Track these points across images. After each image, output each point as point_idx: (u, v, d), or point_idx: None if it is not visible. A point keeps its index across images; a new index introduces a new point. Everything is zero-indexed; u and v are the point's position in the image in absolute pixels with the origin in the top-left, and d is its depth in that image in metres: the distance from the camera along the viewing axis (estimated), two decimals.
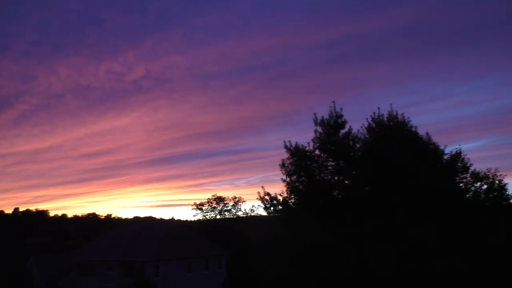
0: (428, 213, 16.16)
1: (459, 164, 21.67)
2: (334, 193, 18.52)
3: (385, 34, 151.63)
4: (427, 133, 20.06)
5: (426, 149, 19.51)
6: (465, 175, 21.71)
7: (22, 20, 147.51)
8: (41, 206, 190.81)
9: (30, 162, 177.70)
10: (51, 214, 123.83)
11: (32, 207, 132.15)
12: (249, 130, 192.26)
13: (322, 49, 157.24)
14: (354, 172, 18.15)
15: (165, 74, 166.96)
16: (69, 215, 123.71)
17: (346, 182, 18.48)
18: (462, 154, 22.02)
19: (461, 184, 21.30)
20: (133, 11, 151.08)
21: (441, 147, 20.62)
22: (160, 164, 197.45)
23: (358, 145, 18.96)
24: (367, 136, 19.31)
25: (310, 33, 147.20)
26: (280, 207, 18.83)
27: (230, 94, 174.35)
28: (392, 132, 18.90)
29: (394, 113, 19.50)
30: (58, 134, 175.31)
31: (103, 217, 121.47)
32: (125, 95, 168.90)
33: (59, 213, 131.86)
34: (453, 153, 21.90)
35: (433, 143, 20.18)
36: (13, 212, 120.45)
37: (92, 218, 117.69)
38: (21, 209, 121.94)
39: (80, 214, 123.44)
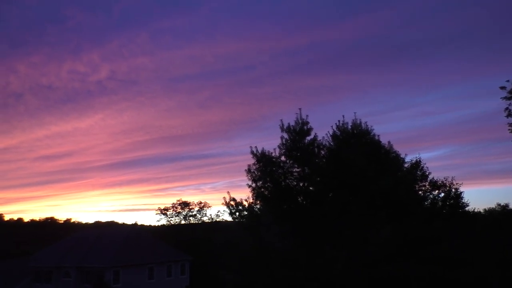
0: (388, 218, 16.62)
1: (418, 172, 22.52)
2: (299, 199, 18.70)
3: (351, 43, 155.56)
4: (389, 142, 20.72)
5: (388, 157, 20.11)
6: (424, 183, 22.57)
7: None
8: None
9: None
10: (6, 218, 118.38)
11: None
12: (215, 135, 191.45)
13: (290, 56, 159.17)
14: (318, 178, 18.39)
15: (130, 76, 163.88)
16: (26, 219, 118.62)
17: (310, 188, 18.70)
18: (421, 163, 22.92)
19: (420, 192, 22.08)
20: (97, 9, 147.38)
21: (402, 156, 21.35)
22: (124, 168, 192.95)
23: (323, 152, 19.21)
24: (331, 143, 19.67)
25: (278, 39, 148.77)
26: (245, 212, 18.81)
27: (197, 98, 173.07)
28: (355, 140, 19.37)
29: (358, 121, 20.02)
30: (15, 135, 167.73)
31: (62, 222, 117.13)
32: (89, 96, 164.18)
33: (15, 217, 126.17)
34: (413, 161, 22.75)
35: (395, 151, 20.84)
36: None
37: (50, 222, 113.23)
38: None
39: (37, 218, 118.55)
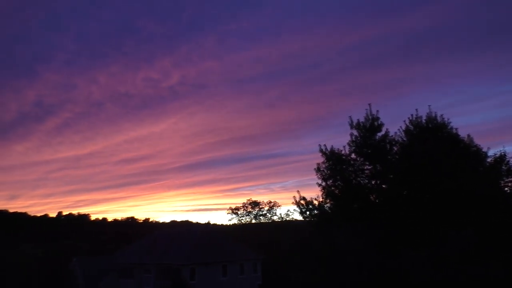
0: (469, 217, 15.59)
1: (503, 167, 20.74)
2: (371, 197, 18.20)
3: (423, 32, 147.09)
4: (468, 135, 19.37)
5: (468, 152, 18.82)
6: (510, 179, 20.76)
7: (63, 32, 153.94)
8: (83, 210, 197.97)
9: (72, 168, 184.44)
10: (92, 218, 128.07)
11: (75, 211, 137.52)
12: (284, 134, 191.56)
13: (357, 50, 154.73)
14: (391, 176, 17.79)
15: (200, 80, 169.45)
16: (109, 219, 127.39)
17: (383, 186, 18.13)
18: (507, 157, 21.07)
19: (506, 189, 20.38)
20: (167, 18, 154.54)
21: (484, 150, 19.83)
22: (196, 169, 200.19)
23: (395, 148, 18.60)
24: (404, 139, 18.89)
25: (344, 34, 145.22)
26: (315, 211, 18.70)
27: (265, 98, 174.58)
28: (431, 135, 18.37)
29: (433, 115, 18.97)
30: (98, 141, 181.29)
31: (141, 221, 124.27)
32: (162, 101, 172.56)
33: (100, 217, 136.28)
34: (497, 155, 20.97)
35: (475, 145, 19.44)
36: (57, 215, 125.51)
37: (131, 222, 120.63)
38: (64, 213, 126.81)
39: (119, 218, 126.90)
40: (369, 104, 18.52)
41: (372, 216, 16.80)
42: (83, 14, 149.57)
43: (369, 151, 18.09)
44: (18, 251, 53.88)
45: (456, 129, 18.93)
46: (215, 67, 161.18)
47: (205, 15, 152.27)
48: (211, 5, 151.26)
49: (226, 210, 68.72)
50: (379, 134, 18.35)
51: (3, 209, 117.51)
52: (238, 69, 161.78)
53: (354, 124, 18.62)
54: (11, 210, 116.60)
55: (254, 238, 52.91)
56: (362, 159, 18.27)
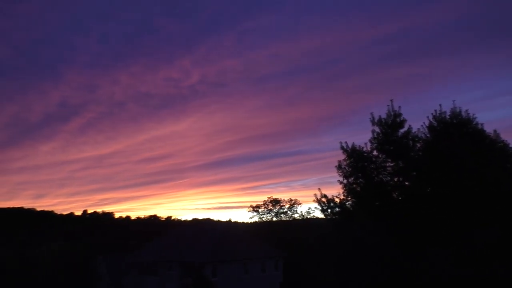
0: (494, 216, 15.21)
1: None
2: (394, 195, 17.97)
3: (446, 26, 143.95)
4: (494, 130, 18.87)
5: (494, 148, 18.35)
6: None
7: (85, 33, 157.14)
8: (107, 208, 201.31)
9: (96, 167, 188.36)
10: (116, 216, 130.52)
11: (99, 209, 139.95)
12: (304, 132, 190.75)
13: (378, 45, 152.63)
14: (414, 173, 17.52)
15: (219, 78, 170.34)
16: (133, 217, 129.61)
17: (406, 183, 17.88)
18: None
19: None
20: (185, 18, 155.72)
21: (511, 145, 19.31)
22: (217, 167, 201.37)
23: (418, 145, 18.31)
24: (428, 135, 18.56)
25: (365, 29, 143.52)
26: (337, 209, 18.59)
27: (284, 95, 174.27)
28: (455, 130, 17.99)
29: (458, 110, 18.55)
30: (120, 140, 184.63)
31: (163, 219, 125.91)
32: (182, 100, 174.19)
33: (123, 215, 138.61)
34: None
35: (502, 141, 18.94)
36: (82, 214, 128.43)
37: (153, 220, 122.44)
38: (89, 211, 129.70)
39: (142, 216, 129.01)
40: (391, 100, 18.27)
41: (394, 214, 16.60)
42: (104, 16, 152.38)
43: (392, 148, 17.86)
44: (45, 249, 55.36)
45: (481, 124, 18.48)
46: (235, 65, 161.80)
47: (224, 14, 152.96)
48: (229, 3, 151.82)
49: (246, 208, 68.96)
50: (402, 130, 18.08)
51: (30, 207, 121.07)
52: (258, 67, 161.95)
53: (376, 120, 18.39)
54: (38, 209, 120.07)
55: (275, 236, 52.89)
56: (384, 156, 18.06)
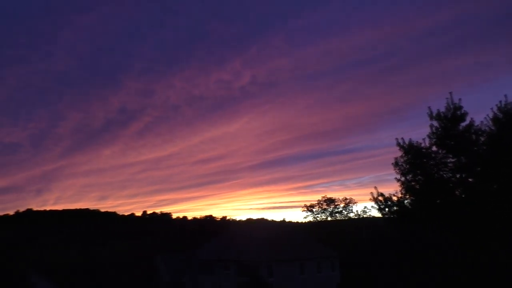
0: None
1: None
2: (456, 192, 17.08)
3: (508, 10, 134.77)
4: None
5: None
6: None
7: (141, 41, 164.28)
8: (165, 209, 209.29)
9: (154, 169, 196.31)
10: (174, 216, 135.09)
11: (158, 210, 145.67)
12: (357, 129, 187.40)
13: (434, 36, 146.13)
14: (478, 168, 16.55)
15: (270, 78, 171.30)
16: (189, 217, 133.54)
17: (469, 179, 16.94)
18: None
19: None
20: (235, 20, 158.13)
21: None
22: (270, 167, 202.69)
23: (482, 139, 17.28)
24: (492, 128, 17.45)
25: (418, 19, 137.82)
26: (394, 208, 17.99)
27: (336, 92, 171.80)
28: None
29: None
30: (176, 143, 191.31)
31: (219, 219, 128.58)
32: (234, 102, 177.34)
33: (181, 215, 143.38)
34: None
35: None
36: (142, 214, 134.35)
37: (209, 220, 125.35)
38: (148, 212, 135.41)
39: (198, 216, 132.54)
40: (450, 93, 17.42)
41: (457, 212, 15.79)
42: (158, 22, 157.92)
43: (452, 142, 17.02)
44: (108, 247, 58.30)
45: None
46: (285, 64, 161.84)
47: (272, 13, 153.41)
48: (277, 3, 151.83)
49: (300, 208, 68.44)
50: (463, 124, 17.19)
51: (95, 208, 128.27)
52: (308, 65, 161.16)
53: (434, 114, 17.62)
54: (102, 210, 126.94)
55: (331, 235, 52.13)
56: (444, 151, 17.26)
